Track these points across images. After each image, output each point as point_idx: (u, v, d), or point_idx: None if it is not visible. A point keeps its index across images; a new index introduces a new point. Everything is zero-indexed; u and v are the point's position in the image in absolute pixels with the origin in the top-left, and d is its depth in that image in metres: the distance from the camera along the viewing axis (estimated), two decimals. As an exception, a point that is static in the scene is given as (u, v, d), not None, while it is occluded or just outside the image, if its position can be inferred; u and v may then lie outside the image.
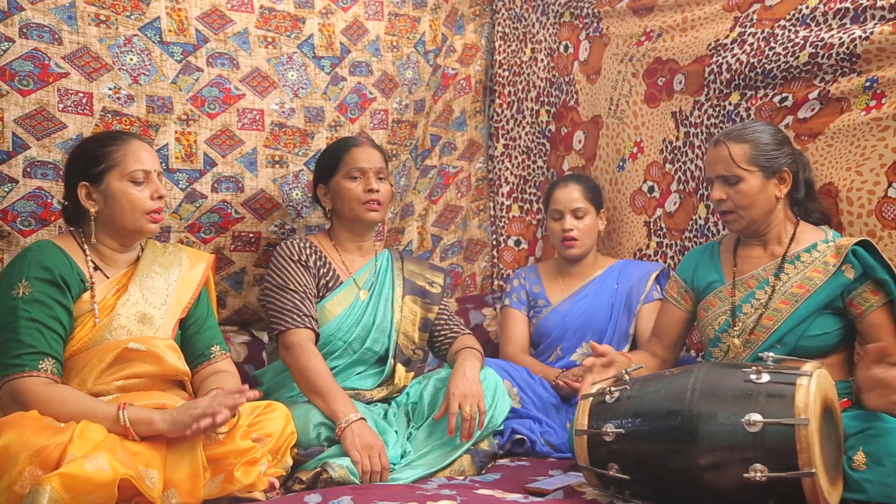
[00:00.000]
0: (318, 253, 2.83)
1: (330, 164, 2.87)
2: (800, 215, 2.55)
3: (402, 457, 2.54)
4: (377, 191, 2.82)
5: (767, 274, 2.49)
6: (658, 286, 3.20)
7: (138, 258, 2.43)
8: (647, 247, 3.37)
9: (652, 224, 3.36)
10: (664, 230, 3.30)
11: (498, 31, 3.90)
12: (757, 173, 2.45)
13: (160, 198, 2.34)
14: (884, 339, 2.32)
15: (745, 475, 1.88)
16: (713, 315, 2.56)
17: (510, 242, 3.91)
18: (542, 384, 3.02)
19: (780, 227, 2.51)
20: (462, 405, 2.54)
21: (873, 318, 2.35)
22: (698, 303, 2.65)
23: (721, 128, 2.99)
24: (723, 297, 2.55)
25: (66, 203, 2.38)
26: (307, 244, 2.83)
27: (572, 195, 3.23)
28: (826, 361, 2.25)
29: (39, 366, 2.11)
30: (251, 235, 3.08)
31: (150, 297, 2.36)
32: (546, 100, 3.84)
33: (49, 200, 2.66)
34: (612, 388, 2.17)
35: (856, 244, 2.37)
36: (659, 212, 3.32)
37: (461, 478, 2.48)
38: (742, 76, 2.90)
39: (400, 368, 2.81)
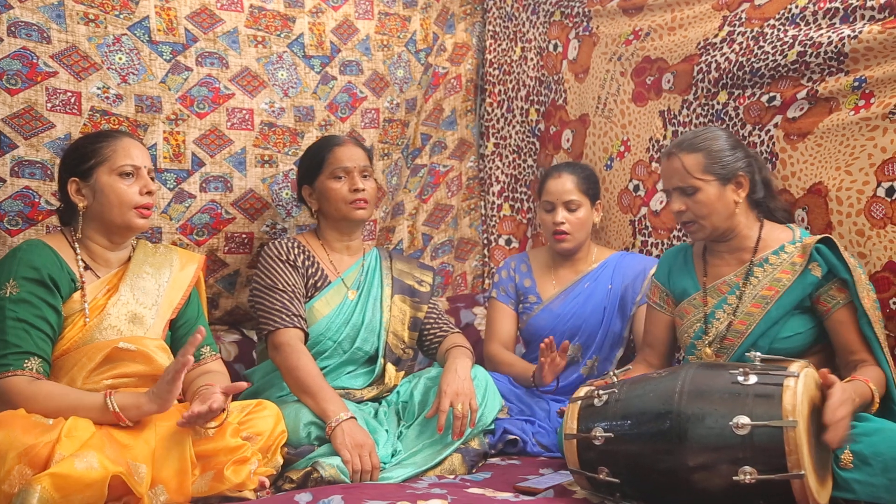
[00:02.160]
0: (307, 252, 2.82)
1: (314, 164, 2.87)
2: (763, 215, 2.55)
3: (393, 456, 2.54)
4: (363, 189, 2.82)
5: (738, 279, 2.48)
6: None
7: (129, 258, 2.43)
8: (633, 245, 3.37)
9: (637, 223, 3.36)
10: (649, 229, 3.31)
11: (489, 30, 3.90)
12: (713, 182, 2.44)
13: (149, 193, 2.35)
14: (849, 336, 2.33)
15: (734, 477, 1.89)
16: (688, 323, 2.56)
17: (501, 241, 3.91)
18: (526, 391, 2.99)
19: (745, 231, 2.50)
20: (454, 403, 2.54)
21: (839, 316, 2.35)
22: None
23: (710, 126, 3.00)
24: (696, 305, 2.55)
25: (61, 203, 2.39)
26: (295, 244, 2.82)
27: (565, 186, 3.12)
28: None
29: (24, 365, 2.11)
30: (244, 236, 3.08)
31: (140, 297, 2.36)
32: (536, 98, 3.85)
33: (37, 200, 2.65)
34: (601, 391, 2.17)
35: (819, 242, 2.37)
36: (644, 210, 3.33)
37: (452, 477, 2.48)
38: (730, 75, 2.91)
39: (390, 368, 2.81)
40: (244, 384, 2.24)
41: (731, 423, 1.92)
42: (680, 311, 2.60)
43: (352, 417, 2.46)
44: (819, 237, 2.39)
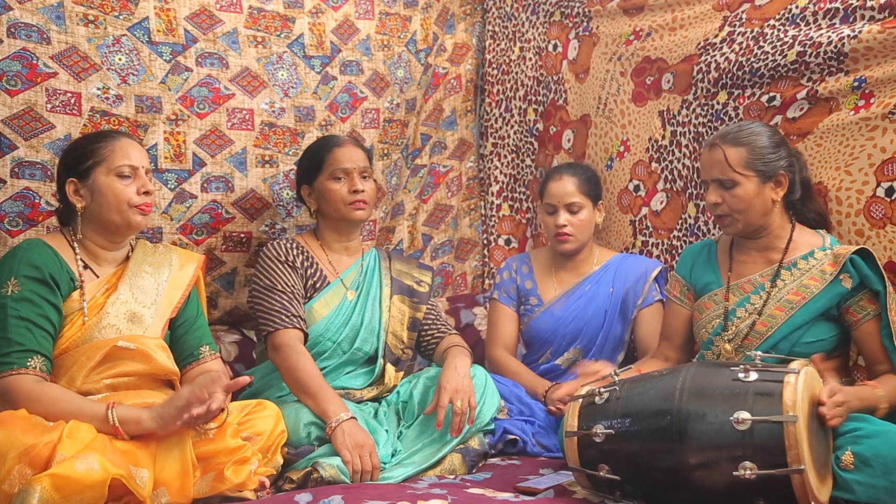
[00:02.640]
0: (306, 253, 2.82)
1: (313, 164, 2.87)
2: (795, 217, 2.53)
3: (393, 456, 2.54)
4: (362, 191, 2.82)
5: (764, 279, 2.47)
6: (657, 286, 3.09)
7: (128, 257, 2.43)
8: (633, 245, 3.37)
9: (637, 223, 3.36)
10: (650, 229, 3.30)
11: (488, 31, 3.90)
12: (753, 178, 2.41)
13: (147, 193, 2.35)
14: (876, 347, 2.33)
15: (734, 473, 1.89)
16: (707, 318, 2.55)
17: (500, 241, 3.91)
18: (526, 391, 2.97)
19: (777, 230, 2.48)
20: (453, 399, 2.54)
21: (868, 328, 2.34)
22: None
23: (708, 127, 3.00)
24: (717, 301, 2.54)
25: (59, 203, 2.39)
26: (294, 244, 2.82)
27: (566, 188, 3.10)
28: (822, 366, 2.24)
29: (28, 364, 2.11)
30: (242, 236, 3.08)
31: (139, 296, 2.36)
32: (534, 98, 3.85)
33: (37, 201, 2.65)
34: (602, 390, 2.17)
35: (854, 253, 2.35)
36: (644, 210, 3.32)
37: (452, 477, 2.48)
38: (730, 75, 2.91)
39: (389, 368, 2.81)
40: (246, 378, 2.24)
41: (731, 418, 1.92)
42: (699, 306, 2.59)
43: (352, 418, 2.46)
44: (854, 248, 2.37)
